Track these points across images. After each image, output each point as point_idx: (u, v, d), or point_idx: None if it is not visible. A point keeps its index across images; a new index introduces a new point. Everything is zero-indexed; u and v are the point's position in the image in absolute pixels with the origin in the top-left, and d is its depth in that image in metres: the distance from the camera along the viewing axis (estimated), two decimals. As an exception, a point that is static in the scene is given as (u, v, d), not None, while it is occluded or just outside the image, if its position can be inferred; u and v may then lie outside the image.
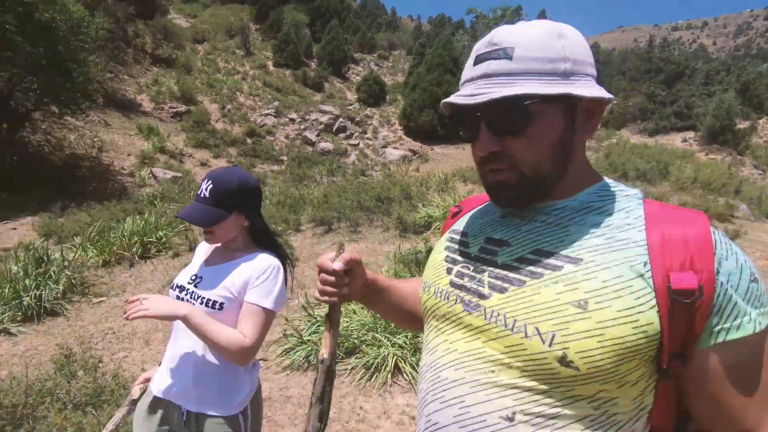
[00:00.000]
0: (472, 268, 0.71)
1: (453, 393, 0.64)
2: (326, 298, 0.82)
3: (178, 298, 1.33)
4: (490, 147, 0.64)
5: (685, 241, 0.58)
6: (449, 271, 0.74)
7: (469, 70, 0.65)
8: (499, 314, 0.63)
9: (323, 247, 6.01)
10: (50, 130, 11.36)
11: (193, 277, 1.36)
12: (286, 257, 1.43)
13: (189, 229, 6.38)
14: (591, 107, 0.66)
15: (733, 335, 0.57)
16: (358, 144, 19.71)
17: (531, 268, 0.64)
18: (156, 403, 1.33)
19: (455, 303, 0.69)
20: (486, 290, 0.67)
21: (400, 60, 34.99)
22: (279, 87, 23.35)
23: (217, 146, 15.55)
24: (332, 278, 0.81)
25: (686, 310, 0.56)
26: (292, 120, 20.05)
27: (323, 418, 0.79)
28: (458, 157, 18.97)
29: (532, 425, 0.60)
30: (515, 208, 0.70)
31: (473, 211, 0.83)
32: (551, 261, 0.63)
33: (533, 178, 0.65)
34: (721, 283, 0.57)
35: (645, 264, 0.59)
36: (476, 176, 11.17)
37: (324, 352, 0.80)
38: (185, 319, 1.17)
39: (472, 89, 0.62)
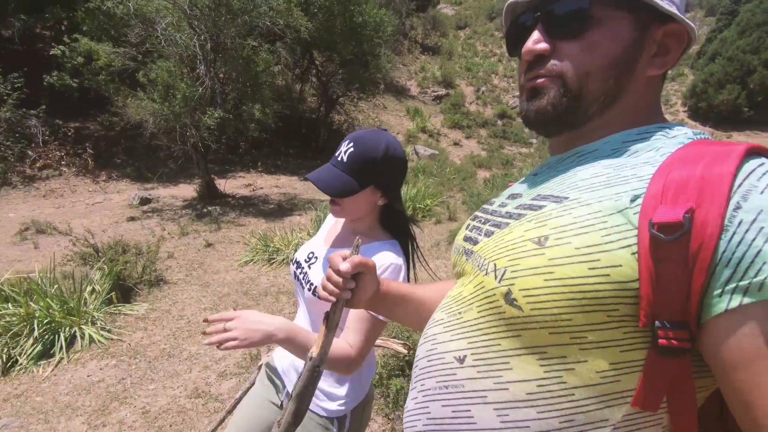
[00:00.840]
0: (483, 220, 0.68)
1: (432, 331, 0.65)
2: (326, 295, 0.77)
3: (295, 275, 1.21)
4: (538, 46, 0.56)
5: (701, 175, 0.44)
6: (468, 227, 0.72)
7: None
8: (480, 257, 0.61)
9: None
10: (349, 112, 14.36)
11: (310, 255, 1.20)
12: (413, 250, 1.20)
13: (451, 197, 7.03)
14: (666, 42, 0.56)
15: (754, 296, 0.40)
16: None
17: (520, 211, 0.59)
18: (272, 374, 1.27)
19: (462, 255, 0.69)
20: (481, 237, 0.64)
21: (693, 24, 28.03)
22: (535, 67, 22.47)
23: (469, 127, 16.39)
24: (338, 278, 0.75)
25: (677, 255, 0.42)
26: (546, 101, 19.09)
27: (298, 417, 0.76)
28: (774, 148, 14.11)
29: (478, 371, 0.55)
30: (539, 127, 0.60)
31: None
32: (540, 202, 0.57)
33: (575, 92, 0.55)
34: (740, 222, 0.41)
35: (635, 198, 0.48)
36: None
37: (314, 350, 0.76)
38: (282, 343, 1.00)
39: None
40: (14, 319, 3.02)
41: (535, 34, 0.56)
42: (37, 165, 9.31)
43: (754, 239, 0.40)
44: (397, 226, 1.18)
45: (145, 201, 8.12)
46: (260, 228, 6.47)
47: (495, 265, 0.55)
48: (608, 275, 0.45)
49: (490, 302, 0.55)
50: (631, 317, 0.46)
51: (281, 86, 11.22)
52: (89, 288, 3.60)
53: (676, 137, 0.54)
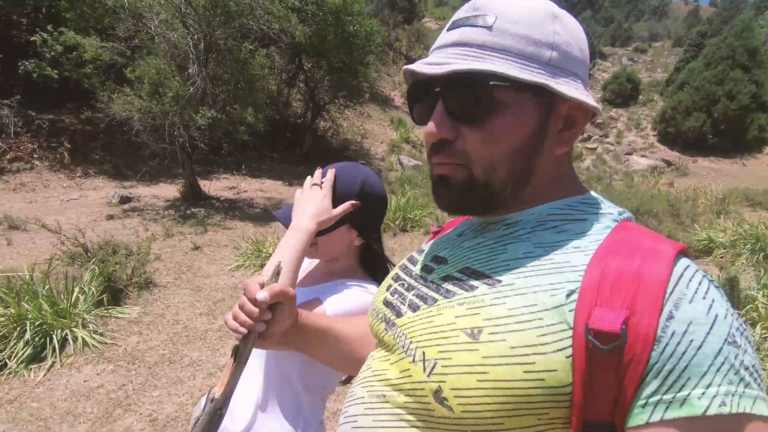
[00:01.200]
0: (405, 285, 0.63)
1: (352, 410, 0.60)
2: (235, 325, 0.67)
3: None
4: (442, 132, 0.52)
5: (636, 274, 0.44)
6: (388, 288, 0.67)
7: (442, 36, 0.55)
8: (403, 334, 0.57)
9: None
10: (335, 119, 14.37)
11: None
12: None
13: (437, 208, 7.15)
14: (573, 114, 0.53)
15: (675, 412, 0.39)
16: (596, 148, 17.90)
17: (449, 286, 0.55)
18: None
19: (381, 321, 0.63)
20: (404, 308, 0.60)
21: (663, 54, 29.68)
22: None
23: (452, 140, 16.70)
24: (252, 308, 0.66)
25: (611, 363, 0.42)
26: (525, 118, 19.71)
27: None
28: (734, 173, 15.08)
29: None
30: (455, 214, 0.59)
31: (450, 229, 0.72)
32: (471, 281, 0.54)
33: (483, 182, 0.53)
34: (673, 333, 0.41)
35: (570, 294, 0.46)
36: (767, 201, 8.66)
37: (217, 391, 0.66)
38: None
39: (439, 57, 0.51)
40: (2, 319, 2.88)
41: (438, 115, 0.52)
42: (7, 157, 8.85)
43: (684, 353, 0.40)
44: (375, 268, 1.05)
45: (125, 200, 7.85)
46: (248, 232, 6.38)
47: (424, 354, 0.51)
48: (543, 380, 0.44)
49: (417, 396, 0.51)
50: (560, 419, 0.45)
51: (272, 90, 11.15)
52: (77, 289, 3.47)
53: (602, 217, 0.53)
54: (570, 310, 0.45)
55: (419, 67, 0.52)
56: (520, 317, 0.46)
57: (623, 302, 0.42)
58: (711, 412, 0.38)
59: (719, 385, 0.39)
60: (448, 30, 0.53)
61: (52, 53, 7.56)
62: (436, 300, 0.55)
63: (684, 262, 0.46)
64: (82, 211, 7.50)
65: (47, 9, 9.07)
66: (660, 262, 0.44)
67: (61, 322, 3.04)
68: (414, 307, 0.57)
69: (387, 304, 0.64)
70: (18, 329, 2.85)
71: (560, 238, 0.52)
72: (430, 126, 0.52)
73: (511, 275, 0.50)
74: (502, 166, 0.52)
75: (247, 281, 0.68)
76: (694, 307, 0.42)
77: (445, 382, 0.48)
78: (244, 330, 0.66)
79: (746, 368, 0.40)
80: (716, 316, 0.41)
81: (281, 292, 0.66)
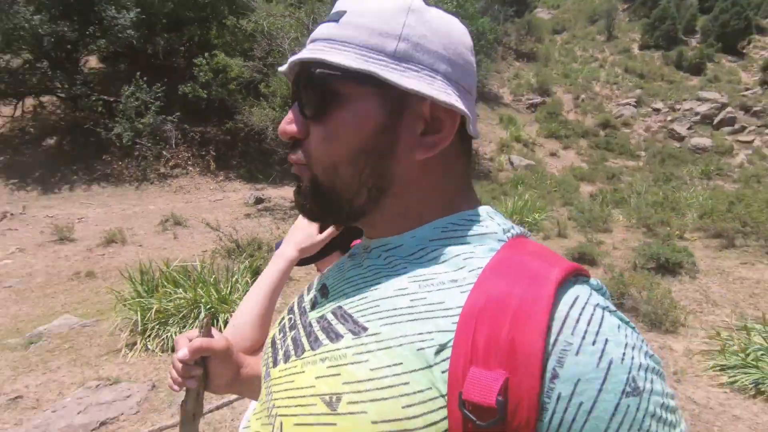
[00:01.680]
0: (291, 322, 0.54)
1: None
2: (170, 382, 0.65)
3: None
4: (290, 129, 0.47)
5: (512, 317, 0.35)
6: (280, 321, 0.57)
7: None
8: (270, 392, 0.49)
9: (728, 263, 5.01)
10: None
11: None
12: None
13: (555, 211, 6.71)
14: (438, 116, 0.44)
15: None
16: (753, 141, 15.12)
17: (318, 332, 0.47)
18: None
19: (265, 361, 0.55)
20: (280, 355, 0.51)
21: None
22: (643, 72, 20.70)
23: (567, 137, 15.52)
24: (179, 365, 0.61)
25: None
26: (657, 110, 17.47)
27: None
28: None
29: None
30: (313, 222, 0.61)
31: None
32: (338, 327, 0.45)
33: (328, 186, 0.46)
34: (558, 397, 0.33)
35: (441, 350, 0.37)
36: None
37: None
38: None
39: (300, 54, 0.46)
40: (183, 302, 3.46)
41: (293, 112, 0.47)
42: (170, 164, 10.62)
43: (573, 420, 0.33)
44: None
45: (258, 201, 8.86)
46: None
47: (282, 424, 0.44)
48: None
49: None
50: None
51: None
52: (233, 279, 4.01)
53: (485, 238, 0.44)
54: (442, 372, 0.36)
55: (282, 67, 0.48)
56: (383, 380, 0.38)
57: (500, 358, 0.34)
58: None
59: None
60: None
61: (206, 78, 8.83)
62: (304, 350, 0.47)
63: (573, 292, 0.37)
64: (226, 210, 8.65)
65: (199, 38, 10.65)
66: (539, 300, 0.35)
67: (223, 307, 3.55)
68: (286, 357, 0.49)
69: (273, 343, 0.56)
70: (194, 311, 3.41)
71: (438, 270, 0.43)
72: (283, 122, 0.47)
73: (378, 321, 0.42)
74: (344, 168, 0.45)
75: (177, 337, 0.66)
76: (580, 359, 0.34)
77: None
78: (176, 387, 0.64)
79: (652, 415, 0.33)
80: (610, 363, 0.34)
81: (202, 347, 0.61)
